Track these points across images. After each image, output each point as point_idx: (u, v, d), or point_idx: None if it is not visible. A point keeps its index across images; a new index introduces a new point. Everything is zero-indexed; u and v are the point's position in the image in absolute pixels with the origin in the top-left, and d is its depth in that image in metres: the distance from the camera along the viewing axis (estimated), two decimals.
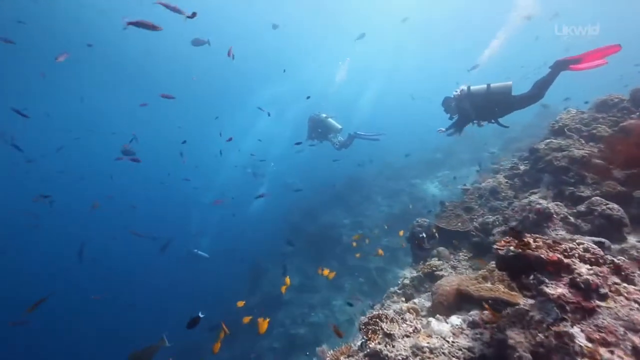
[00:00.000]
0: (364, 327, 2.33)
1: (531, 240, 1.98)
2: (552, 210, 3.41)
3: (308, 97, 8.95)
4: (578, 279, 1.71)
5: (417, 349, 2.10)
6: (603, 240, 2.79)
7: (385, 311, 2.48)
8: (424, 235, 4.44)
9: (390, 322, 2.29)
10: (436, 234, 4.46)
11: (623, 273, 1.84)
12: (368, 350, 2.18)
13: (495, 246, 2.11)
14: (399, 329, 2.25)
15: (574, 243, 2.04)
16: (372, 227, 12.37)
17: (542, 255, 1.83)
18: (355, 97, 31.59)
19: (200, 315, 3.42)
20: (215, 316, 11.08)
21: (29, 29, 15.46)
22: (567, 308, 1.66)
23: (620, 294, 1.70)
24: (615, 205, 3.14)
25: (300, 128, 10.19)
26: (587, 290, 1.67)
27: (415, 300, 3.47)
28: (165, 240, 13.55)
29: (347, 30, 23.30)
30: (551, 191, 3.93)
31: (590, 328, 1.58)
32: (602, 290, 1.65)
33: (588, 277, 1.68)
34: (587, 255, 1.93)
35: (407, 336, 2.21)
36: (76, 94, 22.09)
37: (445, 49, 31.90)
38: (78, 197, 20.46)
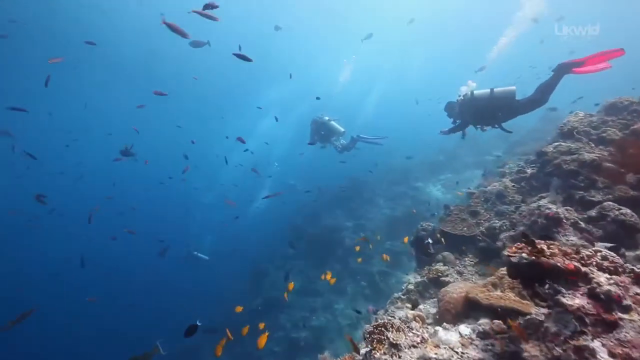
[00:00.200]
0: (368, 336, 2.24)
1: (545, 247, 1.89)
2: (562, 215, 3.31)
3: (318, 98, 8.75)
4: (597, 290, 1.62)
5: None
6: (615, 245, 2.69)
7: (391, 319, 2.39)
8: (430, 240, 4.34)
9: (396, 331, 2.19)
10: (442, 239, 4.36)
11: None
12: None
13: (506, 252, 2.03)
14: (406, 338, 2.15)
15: (591, 250, 1.95)
16: (375, 230, 12.27)
17: (559, 264, 1.73)
18: (360, 98, 31.49)
19: (198, 323, 3.41)
20: (216, 317, 10.98)
21: (29, 29, 15.46)
22: (587, 320, 1.56)
23: None
24: (629, 211, 3.04)
25: (304, 129, 10.11)
26: (607, 302, 1.58)
27: (421, 307, 3.37)
28: (165, 245, 13.50)
29: (353, 31, 23.23)
30: (560, 195, 3.82)
31: (612, 342, 1.48)
32: (625, 302, 1.55)
33: (609, 287, 1.59)
34: (606, 263, 1.83)
35: (414, 346, 2.11)
36: (76, 94, 22.08)
37: (452, 49, 31.77)
38: (78, 197, 20.44)
